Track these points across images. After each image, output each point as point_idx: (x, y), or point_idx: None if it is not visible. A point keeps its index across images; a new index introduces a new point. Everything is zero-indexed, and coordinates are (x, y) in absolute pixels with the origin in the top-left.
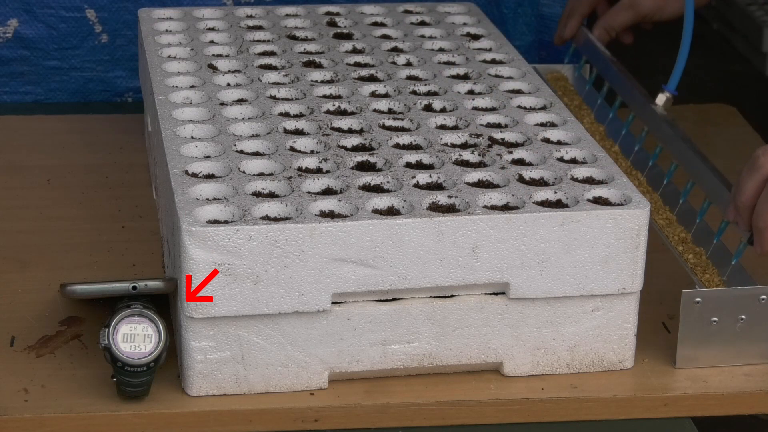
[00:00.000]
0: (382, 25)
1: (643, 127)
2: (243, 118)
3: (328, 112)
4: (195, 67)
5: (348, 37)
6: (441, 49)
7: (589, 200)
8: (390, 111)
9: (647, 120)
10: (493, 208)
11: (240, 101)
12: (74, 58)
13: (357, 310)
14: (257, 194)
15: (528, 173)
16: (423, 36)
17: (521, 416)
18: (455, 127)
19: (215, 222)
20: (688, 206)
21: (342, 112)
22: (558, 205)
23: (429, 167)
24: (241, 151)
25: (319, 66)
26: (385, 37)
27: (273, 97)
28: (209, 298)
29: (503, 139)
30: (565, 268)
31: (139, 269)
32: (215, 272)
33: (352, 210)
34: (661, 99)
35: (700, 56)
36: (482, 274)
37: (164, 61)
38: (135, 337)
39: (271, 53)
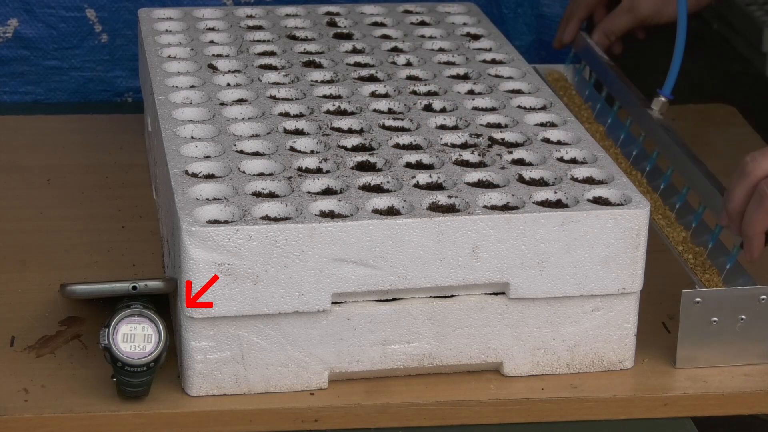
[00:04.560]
0: (382, 25)
1: (641, 132)
2: (243, 118)
3: (328, 112)
4: (195, 67)
5: (348, 37)
6: (441, 49)
7: (589, 200)
8: (390, 111)
9: (644, 125)
10: (493, 208)
11: (240, 101)
12: (74, 57)
13: (357, 310)
14: (257, 194)
15: (528, 173)
16: (423, 36)
17: (521, 416)
18: (455, 127)
19: (215, 222)
20: (687, 207)
21: (342, 112)
22: (558, 205)
23: (429, 167)
24: (241, 151)
25: (319, 66)
26: (385, 37)
27: (273, 97)
28: (209, 304)
29: (503, 139)
30: (565, 268)
31: (139, 269)
32: (215, 278)
33: (352, 210)
34: (657, 104)
35: (700, 56)
36: (482, 274)
37: (164, 61)
38: (135, 337)
39: (271, 53)
